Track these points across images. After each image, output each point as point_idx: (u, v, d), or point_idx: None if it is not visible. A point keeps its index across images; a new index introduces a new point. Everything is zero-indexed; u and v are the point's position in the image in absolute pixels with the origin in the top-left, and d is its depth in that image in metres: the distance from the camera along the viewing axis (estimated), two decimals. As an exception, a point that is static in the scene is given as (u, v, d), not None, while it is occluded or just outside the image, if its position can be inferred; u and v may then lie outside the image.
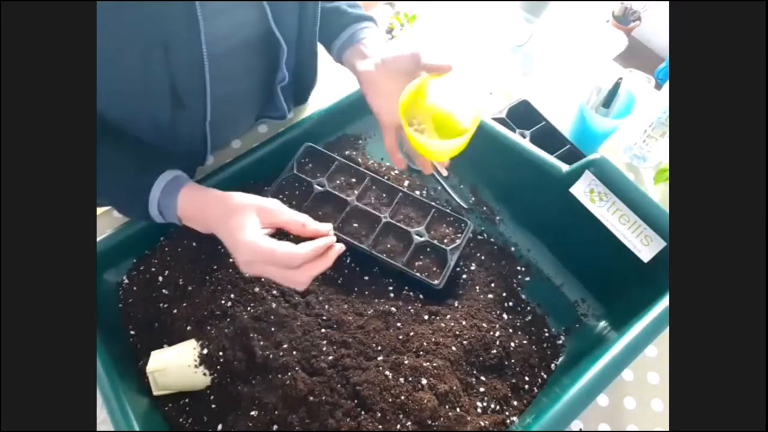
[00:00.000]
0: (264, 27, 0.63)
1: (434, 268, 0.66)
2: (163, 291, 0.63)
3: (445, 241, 0.68)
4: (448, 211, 0.71)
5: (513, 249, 0.74)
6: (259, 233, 0.52)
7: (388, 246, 0.67)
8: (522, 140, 0.71)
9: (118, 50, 0.53)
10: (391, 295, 0.66)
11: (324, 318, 0.60)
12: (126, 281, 0.65)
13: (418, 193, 0.74)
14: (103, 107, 0.59)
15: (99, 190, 0.57)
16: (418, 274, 0.65)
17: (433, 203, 0.71)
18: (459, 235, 0.68)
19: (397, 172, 0.78)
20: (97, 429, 0.58)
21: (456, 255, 0.66)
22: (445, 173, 0.80)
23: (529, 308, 0.68)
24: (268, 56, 0.69)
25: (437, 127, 0.65)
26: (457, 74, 0.61)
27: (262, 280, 0.62)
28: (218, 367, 0.56)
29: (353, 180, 0.73)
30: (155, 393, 0.56)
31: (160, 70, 0.55)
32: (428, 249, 0.68)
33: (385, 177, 0.76)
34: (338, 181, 0.72)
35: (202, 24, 0.54)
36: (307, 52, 0.73)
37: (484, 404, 0.57)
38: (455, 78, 0.61)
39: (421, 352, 0.57)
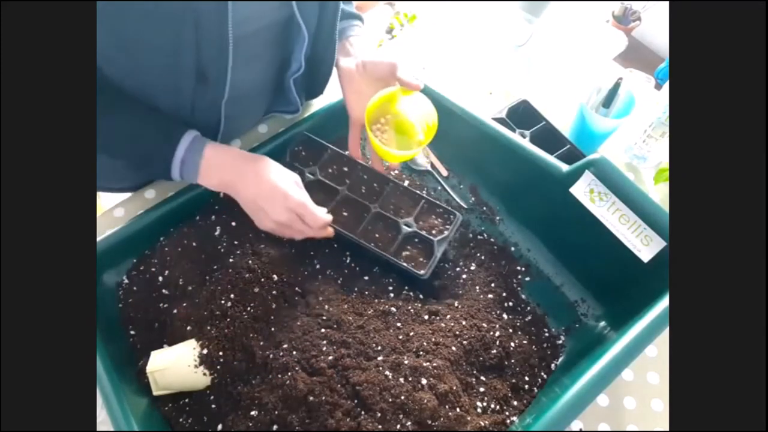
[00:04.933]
0: (287, 13, 0.65)
1: (421, 259, 0.67)
2: (163, 291, 0.63)
3: (433, 232, 0.68)
4: (438, 202, 0.71)
5: (513, 249, 0.74)
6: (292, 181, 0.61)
7: (377, 235, 0.68)
8: (522, 140, 0.71)
9: (152, 23, 0.55)
10: (391, 295, 0.66)
11: (324, 318, 0.60)
12: (126, 281, 0.65)
13: (407, 183, 0.74)
14: (124, 76, 0.62)
15: (114, 150, 0.63)
16: (404, 264, 0.65)
17: (423, 194, 0.71)
18: (448, 227, 0.68)
19: (396, 172, 0.78)
20: (97, 429, 0.58)
21: (443, 246, 0.67)
22: (444, 173, 0.80)
23: (529, 308, 0.68)
24: (285, 45, 0.70)
25: (398, 131, 0.71)
26: (423, 97, 0.67)
27: (262, 280, 0.62)
28: (218, 367, 0.56)
29: (345, 169, 0.73)
30: (155, 393, 0.56)
31: (190, 45, 0.58)
32: (416, 239, 0.68)
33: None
34: (330, 170, 0.73)
35: (231, 6, 0.56)
36: (325, 44, 0.74)
37: (484, 404, 0.57)
38: (423, 97, 0.67)
39: (421, 352, 0.57)
